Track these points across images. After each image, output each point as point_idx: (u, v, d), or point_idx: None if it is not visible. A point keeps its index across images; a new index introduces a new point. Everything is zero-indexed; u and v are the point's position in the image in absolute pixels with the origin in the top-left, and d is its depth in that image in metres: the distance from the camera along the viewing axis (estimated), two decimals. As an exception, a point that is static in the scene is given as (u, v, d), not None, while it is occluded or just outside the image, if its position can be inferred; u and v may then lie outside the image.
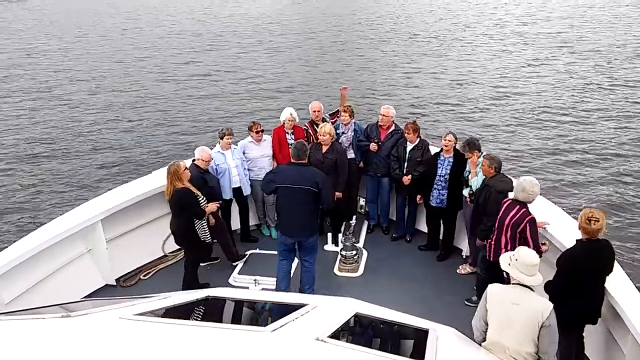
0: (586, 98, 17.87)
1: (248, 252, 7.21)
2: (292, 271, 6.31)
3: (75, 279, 6.32)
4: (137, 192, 6.81)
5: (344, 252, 6.91)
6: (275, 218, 7.36)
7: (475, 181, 6.21)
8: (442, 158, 6.80)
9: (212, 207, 6.26)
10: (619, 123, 15.49)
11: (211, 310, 3.82)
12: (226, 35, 32.30)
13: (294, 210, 5.79)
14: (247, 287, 6.46)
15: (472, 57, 24.57)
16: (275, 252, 6.70)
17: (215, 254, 7.07)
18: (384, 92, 19.30)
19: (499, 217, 5.32)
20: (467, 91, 19.32)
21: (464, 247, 7.11)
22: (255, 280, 6.55)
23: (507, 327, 3.79)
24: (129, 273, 6.86)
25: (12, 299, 5.61)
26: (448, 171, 6.71)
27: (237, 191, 7.17)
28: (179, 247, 6.81)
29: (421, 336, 3.30)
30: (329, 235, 7.43)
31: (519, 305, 3.79)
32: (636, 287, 4.82)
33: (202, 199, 6.08)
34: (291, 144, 7.12)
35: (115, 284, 6.64)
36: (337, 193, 6.79)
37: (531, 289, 3.87)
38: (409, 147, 7.09)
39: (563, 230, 5.44)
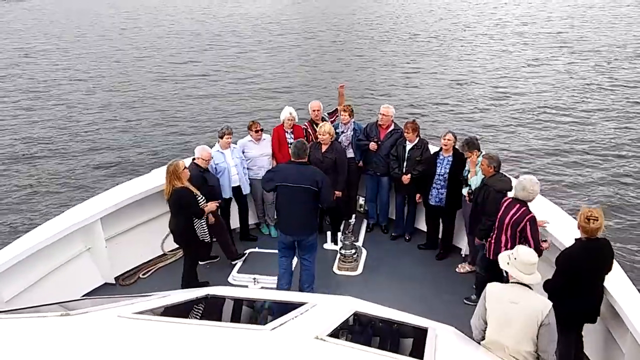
0: (586, 98, 17.85)
1: (247, 251, 7.21)
2: (293, 268, 6.31)
3: (75, 278, 6.33)
4: (137, 190, 6.81)
5: (343, 251, 6.92)
6: (275, 217, 7.39)
7: (475, 180, 6.21)
8: (441, 157, 6.81)
9: (211, 206, 6.26)
10: (619, 123, 15.47)
11: (210, 309, 3.82)
12: (225, 35, 32.27)
13: (294, 209, 5.80)
14: (247, 286, 6.46)
15: (472, 57, 24.56)
16: (275, 251, 6.71)
17: (215, 252, 7.07)
18: (383, 92, 19.29)
19: (499, 216, 5.33)
20: (466, 91, 19.31)
21: (463, 246, 7.12)
22: (254, 279, 6.55)
23: (506, 325, 3.80)
24: (128, 272, 6.86)
25: (12, 297, 5.61)
26: (447, 170, 6.72)
27: (237, 190, 7.18)
28: (178, 245, 6.81)
29: (420, 335, 3.31)
30: (329, 234, 7.43)
31: (517, 304, 3.79)
32: (635, 287, 4.82)
33: (201, 198, 6.08)
34: (290, 143, 7.13)
35: (114, 282, 6.65)
36: (336, 192, 6.79)
37: (530, 288, 3.88)
38: (408, 146, 7.10)
39: (562, 230, 5.45)
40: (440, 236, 7.26)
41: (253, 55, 26.30)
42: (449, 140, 6.71)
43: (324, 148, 6.90)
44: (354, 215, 7.53)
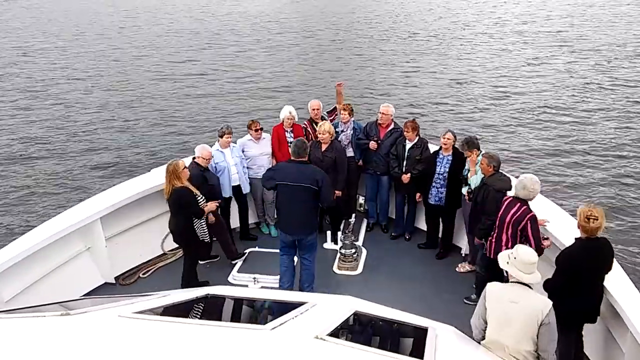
0: (586, 98, 17.82)
1: (247, 251, 7.21)
2: (295, 266, 6.31)
3: (75, 277, 6.32)
4: (136, 190, 6.81)
5: (343, 251, 6.92)
6: (275, 216, 7.38)
7: (475, 180, 6.21)
8: (441, 156, 6.82)
9: (211, 206, 6.26)
10: (619, 123, 15.43)
11: (210, 309, 3.82)
12: (224, 33, 32.22)
13: (294, 208, 5.80)
14: (247, 285, 6.47)
15: (472, 56, 24.54)
16: (275, 250, 6.73)
17: (215, 252, 7.07)
18: (382, 91, 19.27)
19: (499, 214, 5.33)
20: (466, 90, 19.28)
21: (463, 245, 7.12)
22: (254, 278, 6.55)
23: (506, 325, 3.80)
24: (128, 271, 6.86)
25: (12, 297, 5.61)
26: (447, 169, 6.73)
27: (237, 189, 7.18)
28: (177, 245, 6.81)
29: (420, 334, 3.31)
30: (329, 233, 7.43)
31: (517, 303, 3.80)
32: (636, 287, 4.82)
33: (201, 198, 6.07)
34: (290, 143, 7.13)
35: (114, 282, 6.64)
36: (336, 192, 6.79)
37: (530, 287, 3.88)
38: (408, 145, 7.10)
39: (562, 229, 5.45)
40: (440, 235, 7.26)
41: (252, 54, 26.27)
42: (448, 139, 6.71)
43: (323, 147, 6.90)
44: (354, 215, 7.54)
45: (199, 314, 3.68)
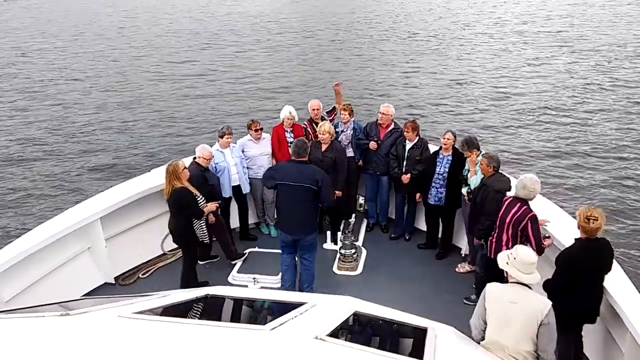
0: (587, 98, 17.77)
1: (247, 251, 7.20)
2: (296, 264, 6.31)
3: (75, 277, 6.32)
4: (136, 190, 6.81)
5: (343, 251, 6.91)
6: (275, 216, 7.38)
7: (475, 180, 6.21)
8: (440, 156, 6.82)
9: (211, 206, 6.26)
10: (620, 124, 15.39)
11: (210, 309, 3.82)
12: (224, 33, 32.19)
13: (294, 208, 5.80)
14: (246, 286, 6.47)
15: (472, 56, 24.52)
16: (274, 251, 6.78)
17: (215, 252, 7.08)
18: (382, 92, 19.25)
19: (500, 214, 5.33)
20: (466, 91, 19.26)
21: (463, 245, 7.12)
22: (254, 278, 6.55)
23: (506, 326, 3.80)
24: (128, 271, 6.86)
25: (12, 297, 5.61)
26: (446, 169, 6.73)
27: (236, 189, 7.18)
28: (177, 246, 6.81)
29: (420, 335, 3.31)
30: (328, 233, 7.43)
31: (517, 303, 3.80)
32: (635, 287, 4.82)
33: (201, 198, 6.07)
34: (290, 143, 7.13)
35: (114, 282, 6.64)
36: (336, 192, 6.80)
37: (529, 288, 3.88)
38: (408, 145, 7.10)
39: (562, 229, 5.45)
40: (440, 236, 7.26)
41: (251, 55, 26.25)
42: (448, 139, 6.71)
43: (323, 147, 6.90)
44: (353, 215, 7.53)
45: (199, 314, 3.68)
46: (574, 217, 4.98)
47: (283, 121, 7.42)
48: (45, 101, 18.79)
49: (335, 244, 7.29)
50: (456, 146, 6.74)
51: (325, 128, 6.82)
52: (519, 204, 5.20)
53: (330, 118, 7.69)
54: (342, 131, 7.48)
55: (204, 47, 28.06)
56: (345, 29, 33.59)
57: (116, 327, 2.90)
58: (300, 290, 6.08)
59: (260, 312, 4.01)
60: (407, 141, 7.11)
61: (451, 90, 19.45)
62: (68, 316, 3.04)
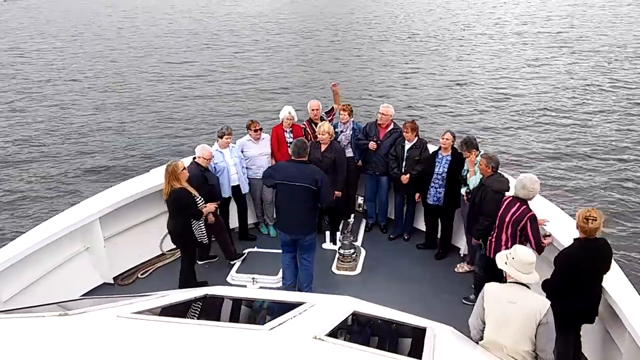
0: (587, 99, 17.78)
1: (246, 251, 7.20)
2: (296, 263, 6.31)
3: (73, 278, 6.31)
4: (135, 190, 6.80)
5: (342, 251, 6.92)
6: (274, 216, 7.39)
7: (474, 180, 6.21)
8: (440, 156, 6.82)
9: (210, 207, 6.25)
10: (620, 125, 15.39)
11: (209, 309, 3.82)
12: (223, 34, 32.23)
13: (293, 208, 5.80)
14: (245, 286, 6.46)
15: (471, 57, 24.55)
16: (273, 251, 6.81)
17: (214, 252, 7.07)
18: (381, 92, 19.25)
19: (499, 214, 5.34)
20: (466, 92, 19.26)
21: (462, 245, 7.12)
22: (253, 278, 6.55)
23: (504, 325, 3.80)
24: (126, 271, 6.85)
25: (10, 297, 5.60)
26: (445, 169, 6.73)
27: (236, 189, 7.18)
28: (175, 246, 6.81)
29: (419, 334, 3.31)
30: (327, 233, 7.43)
31: (515, 303, 3.80)
32: (634, 287, 4.83)
33: (200, 199, 6.06)
34: (290, 143, 7.13)
35: (113, 282, 6.64)
36: (336, 192, 6.80)
37: (528, 287, 3.88)
38: (407, 146, 7.10)
39: (561, 229, 5.45)
40: (439, 236, 7.27)
41: (251, 55, 26.26)
42: (447, 139, 6.72)
43: (323, 147, 6.90)
44: (352, 215, 7.52)
45: (198, 314, 3.68)
46: (573, 216, 4.99)
47: (282, 121, 7.42)
48: (44, 102, 18.78)
49: (334, 244, 7.29)
50: (455, 146, 6.74)
51: (324, 128, 6.82)
52: (518, 204, 5.20)
53: (329, 118, 7.69)
54: (342, 131, 7.48)
55: (203, 48, 28.08)
56: (345, 30, 33.62)
57: (115, 327, 2.90)
58: (299, 290, 6.08)
59: (259, 312, 4.02)
60: (406, 141, 7.12)
61: (450, 91, 19.45)
62: (67, 316, 3.04)
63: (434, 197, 6.90)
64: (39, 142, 14.99)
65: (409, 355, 3.07)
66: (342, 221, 7.47)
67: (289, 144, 7.18)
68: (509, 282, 3.94)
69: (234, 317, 4.01)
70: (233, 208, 7.45)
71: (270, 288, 6.37)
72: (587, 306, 4.67)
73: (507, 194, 5.58)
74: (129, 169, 13.00)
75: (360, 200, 8.16)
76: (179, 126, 16.30)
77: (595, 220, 4.50)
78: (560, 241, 5.24)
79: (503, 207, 5.34)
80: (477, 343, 3.96)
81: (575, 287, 4.57)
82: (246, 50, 27.32)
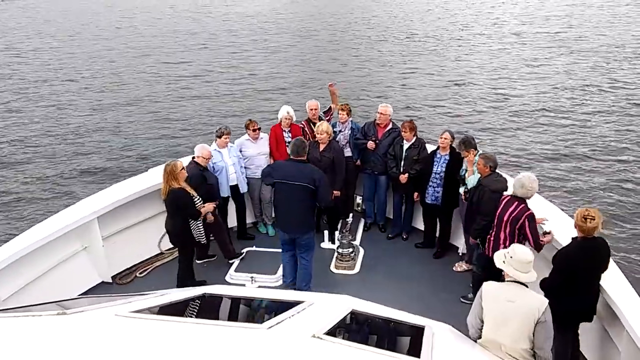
0: (586, 100, 17.75)
1: (245, 250, 7.20)
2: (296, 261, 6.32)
3: (71, 277, 6.31)
4: (134, 189, 6.80)
5: (340, 250, 6.92)
6: (272, 215, 7.39)
7: (472, 180, 6.22)
8: (438, 156, 6.83)
9: (208, 207, 6.24)
10: (619, 125, 15.39)
11: (208, 308, 3.82)
12: (221, 34, 32.20)
13: (292, 207, 5.81)
14: (244, 285, 6.47)
15: (470, 57, 24.55)
16: (272, 250, 6.85)
17: (212, 251, 7.07)
18: (380, 92, 19.24)
19: (497, 213, 5.35)
20: (464, 92, 19.26)
21: (460, 244, 7.13)
22: (251, 277, 6.55)
23: (503, 324, 3.80)
24: (125, 270, 6.85)
25: (8, 297, 5.59)
26: (444, 169, 6.73)
27: (234, 189, 7.17)
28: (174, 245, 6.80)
29: (417, 333, 3.31)
30: (326, 232, 7.43)
31: (514, 302, 3.81)
32: (632, 286, 4.84)
33: (198, 199, 6.05)
34: (288, 142, 7.14)
35: (111, 281, 6.63)
36: (335, 192, 6.80)
37: (526, 286, 3.89)
38: (406, 145, 7.11)
39: (559, 228, 5.46)
40: (437, 235, 7.27)
41: (249, 55, 26.24)
42: (445, 138, 6.72)
43: (321, 147, 6.90)
44: (351, 214, 7.52)
45: (196, 313, 3.67)
46: (571, 215, 4.99)
47: (281, 121, 7.42)
48: (41, 102, 18.73)
49: (333, 243, 7.30)
50: (453, 146, 6.75)
51: (323, 128, 6.82)
52: (516, 203, 5.22)
53: (327, 118, 7.70)
54: (340, 131, 7.49)
55: (202, 48, 28.07)
56: (343, 30, 33.62)
57: (113, 326, 2.90)
58: (298, 289, 6.08)
59: (257, 311, 4.01)
60: (404, 141, 7.12)
61: (449, 91, 19.46)
62: (65, 315, 3.04)
63: (432, 197, 6.90)
64: (36, 142, 14.94)
65: (408, 354, 3.07)
66: (341, 220, 7.48)
67: (287, 144, 7.18)
68: (507, 281, 3.95)
69: (233, 316, 4.01)
70: (231, 207, 7.45)
71: (269, 287, 6.37)
72: (585, 305, 4.68)
73: (505, 193, 5.59)
74: (127, 169, 12.95)
75: (358, 199, 8.16)
76: (177, 126, 16.26)
77: (594, 219, 4.51)
78: (559, 240, 5.25)
79: (501, 206, 5.36)
80: (476, 342, 3.97)
81: (573, 286, 4.58)
82: (244, 50, 27.31)
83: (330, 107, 7.86)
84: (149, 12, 42.80)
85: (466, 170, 6.42)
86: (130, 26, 35.76)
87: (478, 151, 6.32)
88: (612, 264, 4.85)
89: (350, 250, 6.94)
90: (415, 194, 7.18)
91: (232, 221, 7.56)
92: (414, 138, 7.11)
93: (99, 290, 6.45)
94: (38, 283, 5.94)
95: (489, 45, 27.18)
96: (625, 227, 9.98)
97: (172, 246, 6.98)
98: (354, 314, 3.54)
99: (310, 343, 2.76)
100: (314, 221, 6.28)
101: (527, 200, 5.27)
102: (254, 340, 2.78)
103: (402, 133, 7.10)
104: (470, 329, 4.04)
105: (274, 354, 2.66)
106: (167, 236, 6.54)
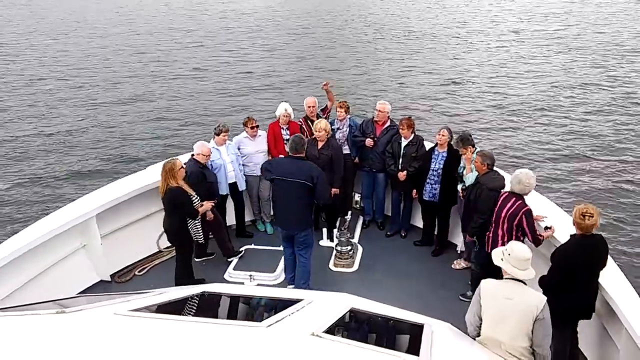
0: (583, 97, 17.76)
1: (243, 248, 7.20)
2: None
3: (70, 275, 6.30)
4: (132, 187, 6.78)
5: (339, 248, 6.92)
6: (271, 213, 7.39)
7: (470, 177, 6.21)
8: (436, 152, 6.83)
9: (207, 206, 6.23)
10: (617, 122, 15.38)
11: (206, 306, 3.82)
12: (218, 31, 32.11)
13: (290, 204, 5.82)
14: (243, 283, 6.47)
15: (468, 55, 24.54)
16: (270, 248, 6.89)
17: (211, 249, 7.06)
18: (377, 90, 19.20)
19: (495, 210, 5.36)
20: (462, 90, 19.24)
21: (459, 242, 7.13)
22: (250, 275, 6.55)
23: (501, 322, 3.81)
24: (123, 269, 6.85)
25: (7, 295, 5.58)
26: (441, 166, 6.73)
27: (233, 187, 7.16)
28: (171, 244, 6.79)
29: (416, 331, 3.31)
30: (324, 230, 7.43)
31: (512, 299, 3.81)
32: (630, 282, 4.85)
33: (196, 198, 6.03)
34: (286, 140, 7.13)
35: (110, 279, 6.63)
36: (334, 190, 6.79)
37: (524, 283, 3.89)
38: (404, 142, 7.10)
39: (558, 226, 5.47)
40: (436, 232, 7.27)
41: (245, 53, 26.18)
42: (443, 135, 6.72)
43: (320, 145, 6.89)
44: (349, 212, 7.54)
45: (195, 311, 3.67)
46: (569, 212, 5.00)
47: (279, 118, 7.41)
48: (37, 99, 18.62)
49: (332, 240, 7.30)
50: (451, 143, 6.74)
51: (321, 125, 6.81)
52: (513, 199, 5.23)
53: (325, 116, 7.68)
54: (338, 128, 7.48)
55: (198, 45, 27.99)
56: (340, 27, 33.58)
57: (112, 324, 2.89)
58: (297, 286, 6.09)
59: (256, 309, 4.01)
60: (402, 138, 7.11)
61: (447, 88, 19.44)
62: (64, 314, 3.03)
63: (429, 194, 6.90)
64: (31, 141, 14.85)
65: (407, 352, 3.07)
66: (339, 218, 7.48)
67: (285, 141, 7.17)
68: (505, 279, 3.95)
69: (232, 314, 4.00)
70: (230, 205, 7.44)
71: (268, 285, 6.38)
72: (583, 302, 4.69)
73: (501, 191, 5.60)
74: (124, 168, 12.87)
75: (357, 197, 8.17)
76: (174, 124, 16.18)
77: (592, 216, 4.52)
78: (557, 238, 5.26)
79: (499, 202, 5.37)
80: (475, 339, 3.97)
81: (571, 283, 4.59)
82: (241, 48, 27.25)
83: (327, 105, 7.85)
84: (143, 9, 42.66)
85: (464, 168, 6.42)
86: (126, 24, 35.63)
87: (476, 148, 6.32)
88: (610, 261, 4.86)
89: (349, 248, 6.94)
90: (414, 191, 7.18)
91: (230, 219, 7.55)
92: (412, 135, 7.11)
93: (98, 288, 6.44)
94: (36, 281, 5.93)
95: (487, 42, 27.16)
96: (623, 225, 9.99)
97: (170, 244, 6.98)
98: (353, 312, 3.54)
99: (309, 341, 2.76)
100: (312, 218, 6.28)
101: (525, 197, 5.28)
102: (253, 338, 2.78)
103: (400, 130, 7.09)
104: (468, 326, 4.04)
105: (273, 352, 2.66)
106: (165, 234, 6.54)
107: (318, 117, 7.49)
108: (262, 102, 17.78)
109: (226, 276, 6.69)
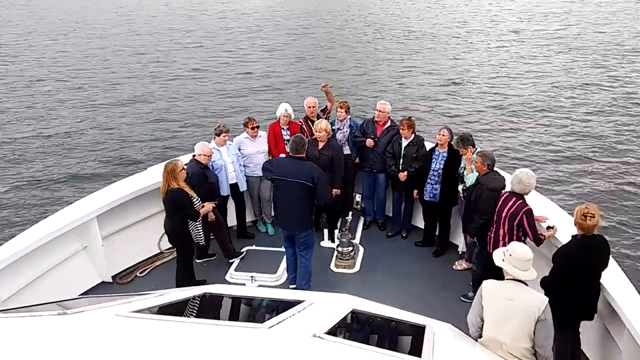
0: (584, 97, 17.75)
1: (245, 249, 7.19)
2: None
3: (71, 277, 6.30)
4: (133, 188, 6.77)
5: (340, 249, 6.91)
6: (272, 214, 7.38)
7: (471, 177, 6.21)
8: (436, 153, 6.83)
9: (208, 207, 6.23)
10: (617, 123, 15.37)
11: (208, 307, 3.82)
12: (218, 32, 32.11)
13: (291, 205, 5.82)
14: (244, 284, 6.46)
15: (468, 55, 24.54)
16: (272, 249, 6.89)
17: (212, 250, 7.06)
18: (377, 90, 19.20)
19: (496, 210, 5.36)
20: (462, 90, 19.24)
21: (460, 243, 7.12)
22: (251, 276, 6.54)
23: (503, 323, 3.80)
24: (125, 270, 6.84)
25: (8, 297, 5.58)
26: (442, 166, 6.73)
27: (233, 187, 7.16)
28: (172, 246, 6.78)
29: (418, 332, 3.31)
30: (325, 231, 7.42)
31: (513, 300, 3.81)
32: (632, 283, 4.84)
33: (197, 200, 6.03)
34: (287, 140, 7.12)
35: (111, 281, 6.62)
36: (334, 190, 6.79)
37: (525, 284, 3.89)
38: (404, 143, 7.09)
39: (559, 226, 5.46)
40: (437, 233, 7.27)
41: (245, 53, 26.17)
42: (443, 135, 6.72)
43: (320, 145, 6.88)
44: (350, 213, 7.52)
45: (197, 312, 3.67)
46: (569, 212, 5.00)
47: (279, 119, 7.41)
48: (37, 102, 18.55)
49: (333, 241, 7.29)
50: (452, 143, 6.74)
51: (322, 126, 6.80)
52: (514, 199, 5.23)
53: (325, 117, 7.68)
54: (339, 129, 7.47)
55: (197, 46, 27.98)
56: (340, 27, 33.59)
57: (114, 326, 2.90)
58: (298, 287, 6.09)
59: (258, 311, 4.01)
60: (403, 139, 7.11)
61: (447, 89, 19.43)
62: (65, 315, 3.03)
63: (430, 194, 6.90)
64: (30, 143, 14.80)
65: (409, 353, 3.07)
66: (340, 219, 7.47)
67: (286, 142, 7.17)
68: (507, 279, 3.95)
69: (233, 316, 4.00)
70: (231, 206, 7.43)
71: (269, 286, 6.37)
72: (585, 303, 4.69)
73: (502, 192, 5.59)
74: (124, 169, 12.82)
75: (358, 197, 8.16)
76: (174, 125, 16.15)
77: (594, 217, 4.51)
78: (559, 238, 5.26)
79: (500, 202, 5.37)
80: (476, 340, 3.97)
81: (573, 284, 4.58)
82: (241, 48, 27.24)
83: (326, 105, 7.85)
84: (143, 9, 42.66)
85: (465, 168, 6.41)
86: (125, 24, 35.62)
87: (476, 149, 6.31)
88: (612, 262, 4.85)
89: (350, 249, 6.93)
90: (415, 191, 7.17)
91: (231, 220, 7.54)
92: (413, 135, 7.10)
93: (99, 290, 6.43)
94: (38, 283, 5.92)
95: (487, 42, 27.16)
96: (626, 227, 9.97)
97: (172, 245, 6.97)
98: (354, 313, 3.54)
99: (311, 343, 2.76)
100: (312, 219, 6.28)
101: (526, 197, 5.28)
102: (254, 339, 2.78)
103: (400, 131, 7.08)
104: (470, 327, 4.04)
105: (274, 354, 2.66)
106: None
107: (318, 117, 7.48)
108: (262, 102, 17.76)
109: (227, 277, 6.69)
